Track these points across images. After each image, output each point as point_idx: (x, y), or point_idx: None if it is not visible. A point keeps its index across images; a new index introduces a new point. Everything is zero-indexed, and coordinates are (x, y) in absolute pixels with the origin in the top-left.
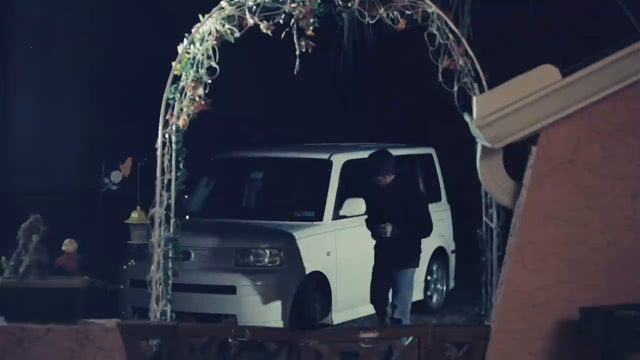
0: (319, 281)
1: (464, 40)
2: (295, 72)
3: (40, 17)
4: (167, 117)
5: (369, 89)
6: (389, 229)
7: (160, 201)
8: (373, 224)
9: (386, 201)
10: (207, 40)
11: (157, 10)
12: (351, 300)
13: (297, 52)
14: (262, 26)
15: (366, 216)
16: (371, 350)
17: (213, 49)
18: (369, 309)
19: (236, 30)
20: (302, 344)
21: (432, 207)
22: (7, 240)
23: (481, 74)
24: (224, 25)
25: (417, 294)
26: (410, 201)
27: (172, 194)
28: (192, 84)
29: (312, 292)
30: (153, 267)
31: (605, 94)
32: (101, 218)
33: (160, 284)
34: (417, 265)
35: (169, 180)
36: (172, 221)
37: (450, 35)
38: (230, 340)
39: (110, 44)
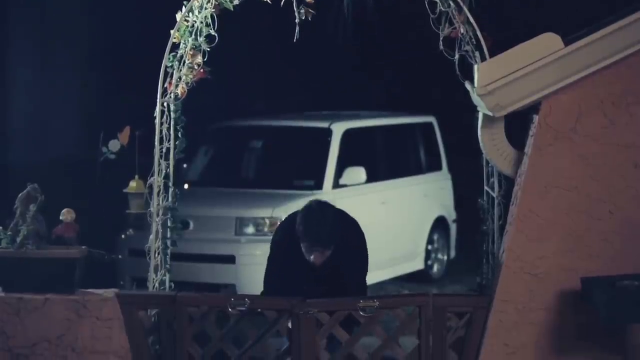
0: None
1: (465, 8)
2: (294, 40)
3: None
4: (165, 86)
5: (369, 56)
6: None
7: (158, 170)
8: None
9: (314, 271)
10: (205, 8)
11: None
12: None
13: (297, 20)
14: None
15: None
16: (372, 319)
17: (212, 16)
18: (371, 277)
19: None
20: (302, 312)
21: (434, 177)
22: (5, 210)
23: (482, 42)
24: None
25: (418, 264)
26: (344, 265)
27: (171, 162)
28: (191, 52)
29: None
30: (152, 237)
31: (609, 62)
32: (99, 187)
33: (158, 253)
34: None
35: (168, 149)
36: (170, 190)
37: (452, 3)
38: (229, 309)
39: (108, 12)
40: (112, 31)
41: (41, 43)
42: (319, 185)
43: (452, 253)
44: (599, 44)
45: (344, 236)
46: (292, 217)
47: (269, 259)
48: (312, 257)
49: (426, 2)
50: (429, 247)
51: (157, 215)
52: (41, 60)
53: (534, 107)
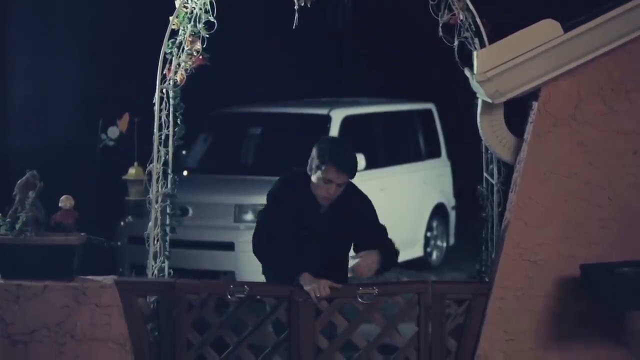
0: None
1: None
2: (294, 27)
3: None
4: (164, 72)
5: (368, 43)
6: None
7: (157, 157)
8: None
9: (319, 222)
10: None
11: None
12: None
13: (296, 7)
14: None
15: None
16: (371, 306)
17: (211, 3)
18: None
19: None
20: (301, 299)
21: (433, 163)
22: (3, 197)
23: (482, 29)
24: None
25: (417, 251)
26: (363, 224)
27: (170, 149)
28: (190, 39)
29: None
30: (151, 224)
31: (608, 48)
32: (98, 174)
33: (158, 240)
34: None
35: (167, 136)
36: (169, 177)
37: None
38: (228, 296)
39: None
40: (112, 17)
41: (40, 29)
42: None
43: (452, 240)
44: (598, 30)
45: (354, 198)
46: (290, 174)
47: (264, 212)
48: (326, 189)
49: None
50: (428, 234)
51: (156, 202)
52: (40, 47)
53: (534, 94)
